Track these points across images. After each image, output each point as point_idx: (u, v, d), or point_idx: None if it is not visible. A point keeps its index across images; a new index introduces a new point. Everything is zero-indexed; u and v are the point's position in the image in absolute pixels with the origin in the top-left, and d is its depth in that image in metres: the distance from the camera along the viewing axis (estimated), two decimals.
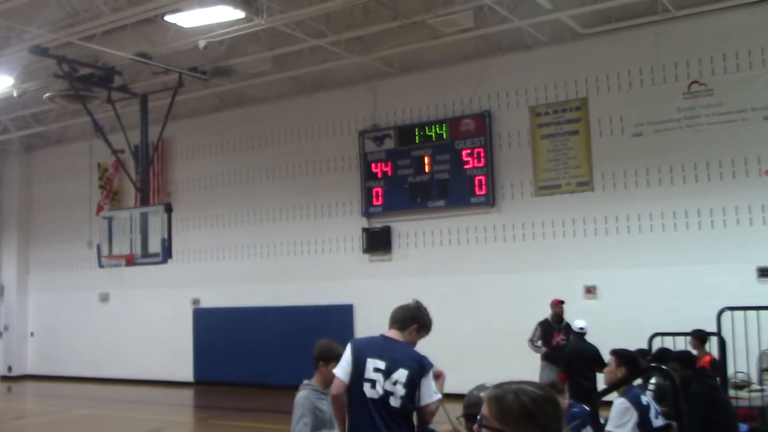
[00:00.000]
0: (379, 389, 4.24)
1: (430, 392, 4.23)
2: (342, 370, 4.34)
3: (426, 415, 4.23)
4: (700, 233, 11.40)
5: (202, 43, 11.37)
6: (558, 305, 10.74)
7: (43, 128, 17.33)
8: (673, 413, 5.41)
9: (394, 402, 4.24)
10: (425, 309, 4.52)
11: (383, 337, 4.44)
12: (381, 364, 4.27)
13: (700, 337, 8.80)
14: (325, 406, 4.75)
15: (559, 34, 12.41)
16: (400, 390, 4.22)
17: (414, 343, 4.47)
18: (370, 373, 4.28)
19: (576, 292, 11.99)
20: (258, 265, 15.58)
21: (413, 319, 4.44)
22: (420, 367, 4.26)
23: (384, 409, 4.22)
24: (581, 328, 9.68)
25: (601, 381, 6.21)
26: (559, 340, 10.53)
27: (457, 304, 13.13)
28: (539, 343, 10.63)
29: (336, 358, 4.62)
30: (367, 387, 4.26)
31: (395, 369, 4.25)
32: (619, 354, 5.30)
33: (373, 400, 4.25)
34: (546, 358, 10.49)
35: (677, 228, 11.55)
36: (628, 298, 11.74)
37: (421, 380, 4.24)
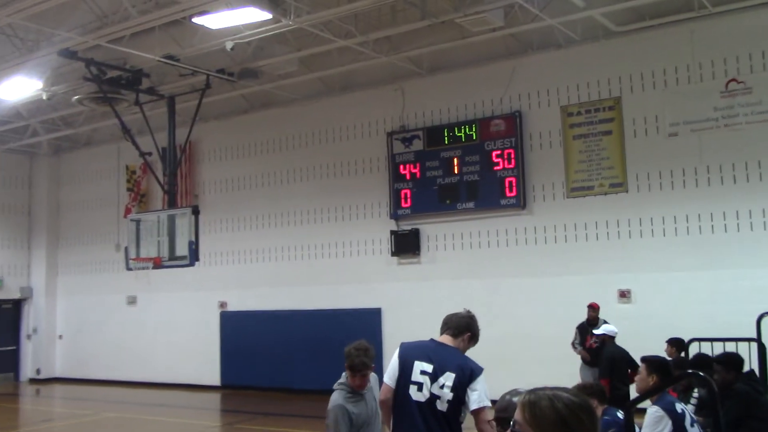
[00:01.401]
0: (426, 392, 4.21)
1: (479, 397, 4.17)
2: (389, 375, 4.34)
3: (478, 422, 4.17)
4: (738, 236, 11.25)
5: (229, 45, 11.44)
6: (594, 308, 11.01)
7: (71, 131, 17.58)
8: (710, 422, 5.34)
9: (441, 406, 4.20)
10: (476, 319, 4.55)
11: (434, 342, 4.47)
12: (428, 367, 4.25)
13: (676, 344, 8.84)
14: (359, 407, 4.69)
15: (592, 32, 12.38)
16: (447, 394, 4.19)
17: (463, 352, 4.47)
18: (417, 376, 4.25)
19: (610, 296, 11.95)
20: (285, 268, 15.69)
21: (467, 328, 4.48)
22: (469, 372, 4.24)
23: (430, 412, 4.19)
24: (613, 332, 9.70)
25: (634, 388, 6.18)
26: (591, 343, 10.68)
27: (486, 308, 12.89)
28: (579, 348, 11.02)
29: (360, 369, 4.55)
30: (413, 390, 4.23)
31: (442, 372, 4.23)
32: (650, 361, 5.26)
33: (419, 403, 4.22)
34: (582, 359, 10.94)
35: (714, 230, 11.43)
36: (663, 303, 11.67)
37: (470, 385, 4.19)
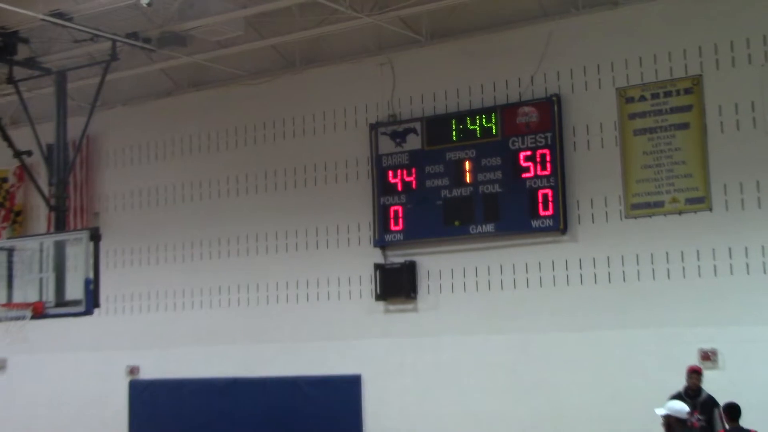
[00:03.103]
0: None
1: None
2: None
3: None
4: None
5: None
6: (694, 374, 10.92)
7: None
8: None
9: None
10: None
11: None
12: None
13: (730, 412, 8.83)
14: None
15: None
16: None
17: None
18: None
19: (687, 358, 11.70)
20: (224, 317, 15.57)
21: None
22: None
23: None
24: (682, 413, 9.67)
25: None
26: (694, 421, 10.54)
27: (511, 375, 13.06)
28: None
29: None
30: None
31: None
32: None
33: None
34: None
35: None
36: (764, 369, 11.57)
37: None
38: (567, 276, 13.06)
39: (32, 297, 12.39)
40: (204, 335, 15.74)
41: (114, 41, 13.19)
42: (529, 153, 13.30)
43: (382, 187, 14.26)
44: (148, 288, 16.43)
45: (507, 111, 13.51)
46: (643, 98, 12.72)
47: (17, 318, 12.54)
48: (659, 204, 12.51)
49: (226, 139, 16.01)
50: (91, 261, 12.04)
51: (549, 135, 13.18)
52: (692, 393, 10.81)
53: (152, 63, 14.83)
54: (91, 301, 12.01)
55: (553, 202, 13.04)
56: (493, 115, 13.60)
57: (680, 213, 12.36)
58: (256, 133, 15.70)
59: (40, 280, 12.41)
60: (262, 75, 15.49)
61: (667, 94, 12.55)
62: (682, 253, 12.31)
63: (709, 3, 12.33)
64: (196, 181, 16.18)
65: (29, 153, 13.73)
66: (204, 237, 15.98)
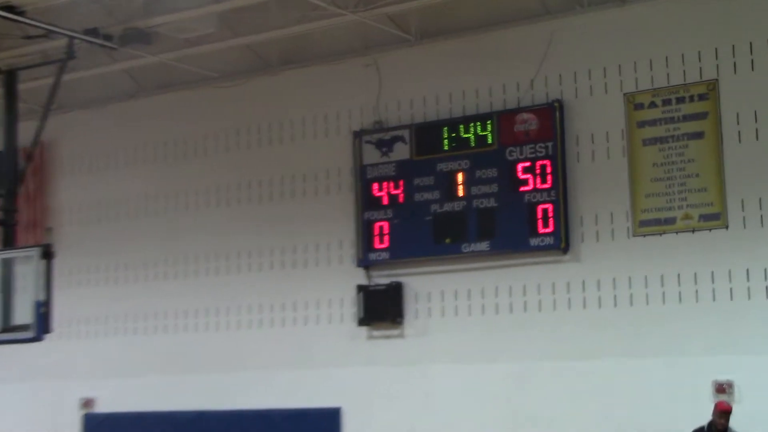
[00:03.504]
0: None
1: None
2: None
3: None
4: None
5: None
6: (724, 415, 10.86)
7: None
8: None
9: None
10: None
11: None
12: None
13: None
14: None
15: None
16: None
17: None
18: None
19: (701, 390, 11.82)
20: (191, 344, 15.58)
21: None
22: None
23: None
24: None
25: None
26: None
27: (510, 408, 13.04)
28: None
29: None
30: None
31: None
32: None
33: None
34: None
35: None
36: None
37: None
38: (569, 299, 13.05)
39: None
40: (168, 363, 15.68)
41: (71, 38, 13.05)
42: (528, 164, 13.31)
43: (366, 201, 14.26)
44: (107, 311, 16.39)
45: (504, 118, 13.53)
46: (653, 104, 12.73)
47: None
48: (670, 221, 12.51)
49: (195, 147, 16.00)
50: (43, 281, 11.92)
51: (550, 144, 13.19)
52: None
53: (114, 62, 14.79)
54: (42, 325, 11.89)
55: (553, 218, 13.03)
56: (489, 122, 13.62)
57: (693, 231, 12.35)
58: (228, 141, 15.70)
59: None
60: (235, 77, 15.51)
61: (680, 100, 12.56)
62: (695, 274, 12.29)
63: (727, 0, 12.36)
64: (161, 193, 16.16)
65: None
66: (169, 255, 15.97)
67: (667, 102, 12.62)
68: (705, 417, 11.11)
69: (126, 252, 16.33)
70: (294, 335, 14.81)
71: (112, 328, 16.36)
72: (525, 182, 13.28)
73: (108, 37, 13.39)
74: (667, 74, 12.65)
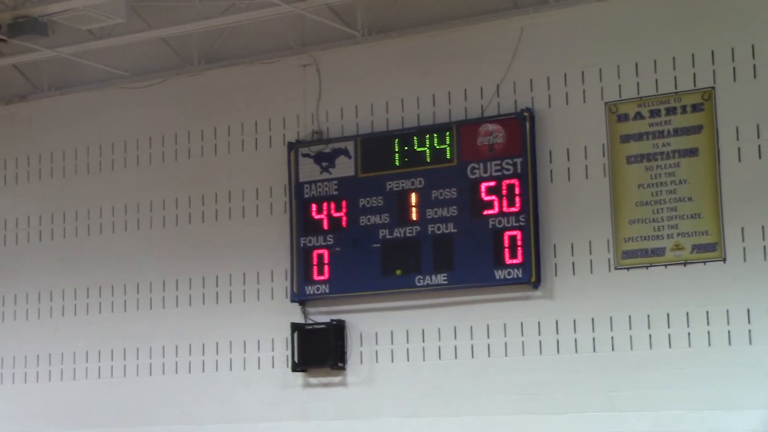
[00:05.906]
0: None
1: None
2: None
3: None
4: None
5: None
6: None
7: None
8: None
9: None
10: None
11: None
12: None
13: None
14: None
15: None
16: None
17: None
18: None
19: None
20: (91, 392, 14.99)
21: None
22: None
23: None
24: None
25: None
26: None
27: None
28: None
29: None
30: None
31: None
32: None
33: None
34: None
35: None
36: None
37: None
38: (540, 342, 12.66)
39: None
40: (63, 416, 15.08)
41: None
42: (492, 184, 12.96)
43: (303, 225, 13.84)
44: None
45: (465, 129, 13.19)
46: (639, 116, 12.44)
47: None
48: (659, 252, 12.21)
49: (99, 159, 15.43)
50: None
51: (519, 161, 12.84)
52: None
53: (2, 56, 14.40)
54: None
55: (522, 247, 12.71)
56: (448, 134, 13.28)
57: (685, 263, 12.02)
58: (139, 152, 15.15)
59: None
60: (148, 76, 15.02)
61: (670, 111, 12.29)
62: (687, 314, 11.94)
63: None
64: (57, 213, 15.59)
65: None
66: (66, 286, 15.37)
67: (655, 113, 12.38)
68: None
69: (14, 283, 15.78)
70: (215, 383, 14.31)
71: None
72: (489, 205, 12.94)
73: None
74: (656, 81, 12.34)
